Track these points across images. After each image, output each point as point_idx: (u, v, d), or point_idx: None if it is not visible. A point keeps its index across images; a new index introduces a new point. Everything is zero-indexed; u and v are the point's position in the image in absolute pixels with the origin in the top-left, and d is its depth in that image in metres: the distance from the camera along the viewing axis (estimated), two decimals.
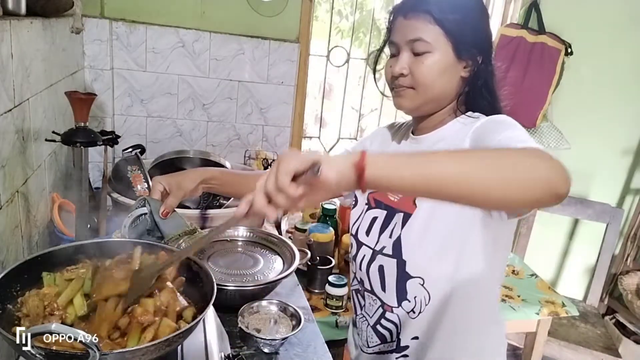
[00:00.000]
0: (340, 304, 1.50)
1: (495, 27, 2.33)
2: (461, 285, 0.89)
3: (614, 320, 2.48)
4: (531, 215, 2.42)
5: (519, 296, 1.77)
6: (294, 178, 0.57)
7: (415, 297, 0.91)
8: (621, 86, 2.38)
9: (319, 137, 2.46)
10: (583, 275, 2.67)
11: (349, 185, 0.59)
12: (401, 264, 0.90)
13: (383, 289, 0.94)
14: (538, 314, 1.72)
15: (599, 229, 2.38)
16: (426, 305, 0.91)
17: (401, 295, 0.92)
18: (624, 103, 2.40)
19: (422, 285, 0.90)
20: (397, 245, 0.90)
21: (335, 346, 1.40)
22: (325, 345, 1.02)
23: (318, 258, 1.57)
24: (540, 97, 2.25)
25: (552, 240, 2.65)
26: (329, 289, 1.49)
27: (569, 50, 2.22)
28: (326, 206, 1.82)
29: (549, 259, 2.69)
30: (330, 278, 1.50)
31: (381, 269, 0.94)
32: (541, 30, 2.23)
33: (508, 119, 0.82)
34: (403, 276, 0.91)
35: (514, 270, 1.95)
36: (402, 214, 0.91)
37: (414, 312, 0.92)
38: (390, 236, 0.92)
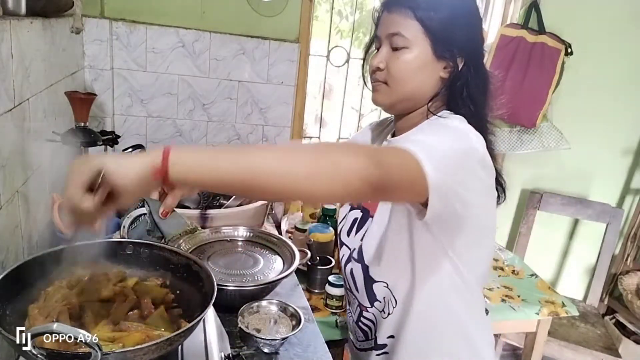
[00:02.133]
0: (340, 304, 1.49)
1: (495, 27, 2.33)
2: (421, 289, 0.88)
3: (614, 320, 2.48)
4: (531, 215, 2.43)
5: (519, 296, 1.77)
6: (91, 189, 0.54)
7: (384, 298, 0.92)
8: (621, 86, 2.38)
9: (319, 137, 2.46)
10: (583, 275, 2.67)
11: (150, 186, 0.56)
12: (365, 269, 0.92)
13: (357, 289, 0.96)
14: (538, 314, 1.72)
15: (599, 229, 2.38)
16: (394, 307, 0.92)
17: (371, 296, 0.94)
18: (624, 103, 2.40)
19: (387, 287, 0.91)
20: (360, 250, 0.92)
21: (335, 346, 1.40)
22: (325, 345, 1.02)
23: (318, 258, 1.57)
24: (540, 97, 2.24)
25: (552, 240, 2.65)
26: (329, 289, 1.49)
27: (569, 50, 2.22)
28: (326, 206, 1.82)
29: (549, 259, 2.68)
30: (330, 278, 1.50)
31: (352, 272, 0.96)
32: (541, 30, 2.22)
33: (449, 123, 0.79)
34: (369, 280, 0.92)
35: (514, 270, 1.95)
36: (371, 218, 0.92)
37: (384, 312, 0.93)
38: (361, 239, 0.93)
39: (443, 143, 0.71)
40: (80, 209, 0.54)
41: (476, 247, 0.88)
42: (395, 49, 0.83)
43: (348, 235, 0.99)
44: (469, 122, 0.83)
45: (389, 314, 0.93)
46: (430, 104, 0.87)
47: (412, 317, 0.91)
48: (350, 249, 0.97)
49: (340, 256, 1.01)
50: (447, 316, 0.93)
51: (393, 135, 0.96)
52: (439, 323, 0.92)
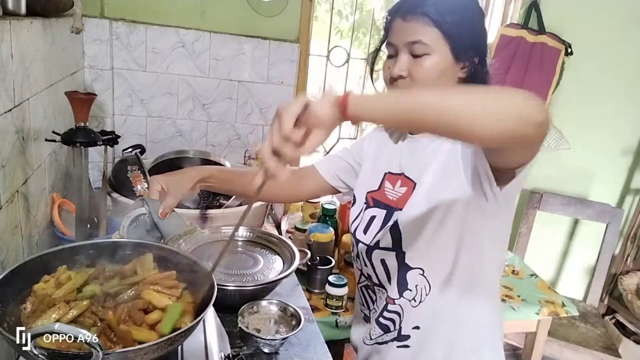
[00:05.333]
0: (340, 304, 1.49)
1: (495, 27, 2.33)
2: (460, 274, 0.90)
3: (614, 320, 2.48)
4: (531, 215, 2.43)
5: (519, 296, 1.77)
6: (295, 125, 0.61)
7: (416, 286, 0.93)
8: (621, 86, 2.38)
9: None
10: (583, 275, 2.67)
11: (337, 120, 0.62)
12: (401, 256, 0.91)
13: (389, 280, 0.96)
14: (538, 314, 1.72)
15: (599, 229, 2.38)
16: (427, 295, 0.92)
17: (402, 286, 0.94)
18: (624, 103, 2.41)
19: (423, 275, 0.91)
20: (395, 237, 0.92)
21: (335, 346, 1.40)
22: (325, 345, 1.02)
23: (318, 258, 1.57)
24: (540, 97, 2.24)
25: (552, 240, 2.65)
26: (329, 289, 1.49)
27: (569, 50, 2.22)
28: (326, 206, 1.82)
29: (549, 259, 2.69)
30: (330, 278, 1.50)
31: (383, 262, 0.95)
32: (541, 30, 2.23)
33: None
34: (404, 268, 0.92)
35: (514, 270, 1.95)
36: (400, 211, 0.92)
37: (415, 301, 0.94)
38: (389, 232, 0.93)
39: None
40: (291, 139, 0.60)
41: (507, 232, 0.94)
42: (416, 56, 0.85)
43: (365, 232, 0.99)
44: None
45: (420, 302, 0.93)
46: None
47: (446, 304, 0.92)
48: (366, 245, 0.97)
49: (359, 253, 1.01)
50: (480, 304, 0.95)
51: (410, 133, 0.98)
52: (471, 311, 0.94)
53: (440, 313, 0.93)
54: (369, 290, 1.04)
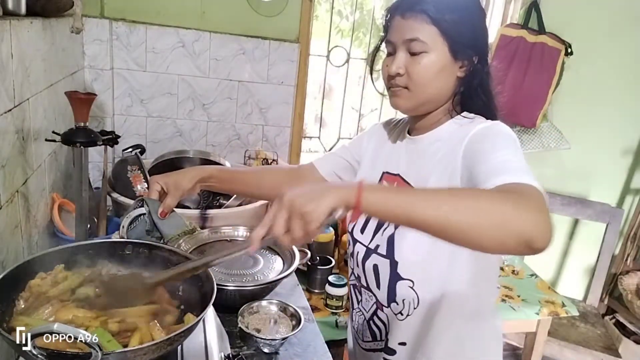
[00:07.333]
0: (340, 304, 1.50)
1: (495, 27, 2.33)
2: (451, 289, 0.88)
3: (614, 320, 2.48)
4: None
5: (519, 296, 1.77)
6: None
7: (403, 300, 0.91)
8: (621, 86, 2.38)
9: (319, 137, 2.46)
10: (583, 275, 2.67)
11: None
12: (393, 265, 0.90)
13: (378, 286, 0.95)
14: (538, 314, 1.72)
15: (599, 229, 2.38)
16: (414, 308, 0.91)
17: (391, 296, 0.93)
18: (624, 103, 2.40)
19: (412, 287, 0.90)
20: (390, 246, 0.91)
21: (335, 346, 1.40)
22: (325, 345, 1.02)
23: (318, 258, 1.57)
24: (540, 97, 2.25)
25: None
26: (329, 289, 1.49)
27: (569, 50, 2.22)
28: None
29: (549, 259, 2.69)
30: (330, 278, 1.50)
31: (376, 267, 0.94)
32: (541, 30, 2.23)
33: (502, 130, 0.81)
34: (394, 277, 0.91)
35: (514, 270, 1.95)
36: None
37: (401, 315, 0.92)
38: (384, 236, 0.92)
39: (520, 158, 0.74)
40: (310, 236, 0.63)
41: None
42: (413, 54, 0.85)
43: (362, 232, 0.98)
44: (484, 114, 0.87)
45: (407, 315, 0.92)
46: (451, 103, 0.90)
47: (435, 321, 0.90)
48: (365, 246, 0.97)
49: (355, 253, 1.00)
50: (473, 320, 0.93)
51: (409, 133, 0.98)
52: (464, 327, 0.92)
53: (429, 328, 0.91)
54: (356, 289, 1.04)
